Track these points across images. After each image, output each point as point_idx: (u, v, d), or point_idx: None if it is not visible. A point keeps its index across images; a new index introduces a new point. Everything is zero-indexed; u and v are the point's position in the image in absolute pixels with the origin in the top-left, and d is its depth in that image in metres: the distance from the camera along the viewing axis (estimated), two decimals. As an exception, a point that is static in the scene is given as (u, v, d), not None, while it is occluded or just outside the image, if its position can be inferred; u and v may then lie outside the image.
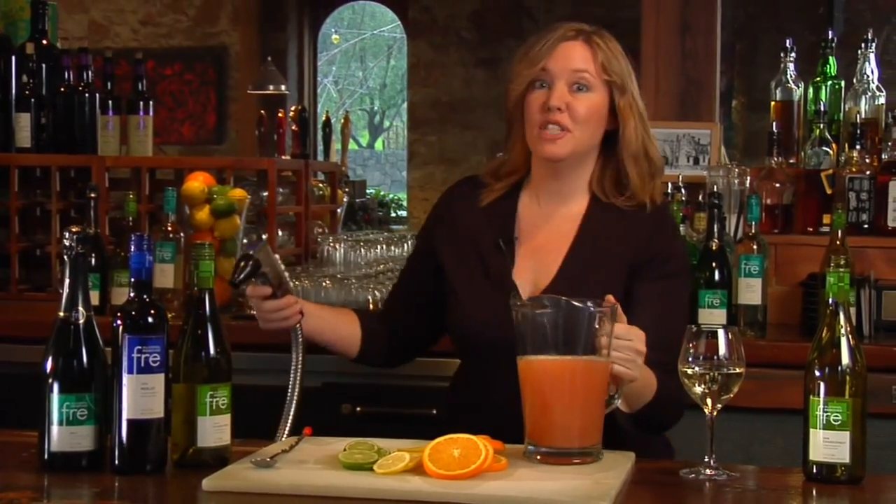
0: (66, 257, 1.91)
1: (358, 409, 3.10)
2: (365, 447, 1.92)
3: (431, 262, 2.48)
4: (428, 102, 9.20)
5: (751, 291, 3.19)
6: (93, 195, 3.47)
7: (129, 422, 1.88)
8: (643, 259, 2.35)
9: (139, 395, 1.87)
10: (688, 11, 3.73)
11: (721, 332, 1.94)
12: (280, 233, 3.86)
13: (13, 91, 3.99)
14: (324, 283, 3.44)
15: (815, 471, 1.93)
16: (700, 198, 3.55)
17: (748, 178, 3.54)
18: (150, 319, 1.89)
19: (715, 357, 1.93)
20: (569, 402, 1.97)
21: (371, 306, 3.19)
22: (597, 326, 1.97)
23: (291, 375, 2.30)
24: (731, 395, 1.96)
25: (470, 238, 2.42)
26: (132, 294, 1.90)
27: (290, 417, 2.23)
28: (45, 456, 1.90)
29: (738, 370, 1.94)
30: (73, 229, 1.90)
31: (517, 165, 2.45)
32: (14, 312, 3.62)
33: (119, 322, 1.88)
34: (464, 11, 9.22)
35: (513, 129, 2.41)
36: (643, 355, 2.08)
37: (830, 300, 1.92)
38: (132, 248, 1.89)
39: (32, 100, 3.95)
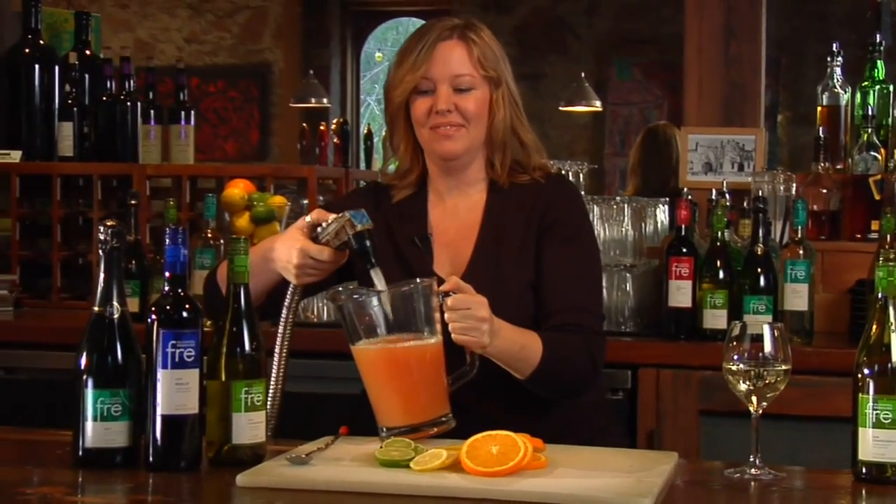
0: (100, 251, 1.89)
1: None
2: (402, 444, 1.89)
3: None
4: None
5: (797, 297, 3.13)
6: (133, 202, 3.48)
7: (164, 417, 1.85)
8: (546, 225, 2.38)
9: (174, 391, 1.85)
10: (732, 17, 3.69)
11: (766, 328, 1.89)
12: (320, 241, 3.84)
13: (56, 101, 4.01)
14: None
15: (864, 471, 1.87)
16: (745, 204, 3.50)
17: (794, 184, 3.48)
18: (184, 314, 1.87)
19: (760, 354, 1.88)
20: (405, 381, 2.05)
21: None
22: (420, 306, 2.04)
23: (281, 328, 2.24)
24: (777, 394, 1.91)
25: (386, 237, 2.42)
26: (167, 288, 1.88)
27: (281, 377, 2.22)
28: (80, 452, 1.88)
29: (783, 367, 1.89)
30: (108, 223, 1.89)
31: (409, 164, 2.47)
32: (55, 319, 3.63)
33: (153, 316, 1.86)
34: (505, 27, 9.18)
35: (395, 131, 2.45)
36: (486, 321, 2.10)
37: (880, 295, 1.88)
38: (167, 240, 1.87)
39: (75, 109, 3.97)
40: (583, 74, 7.34)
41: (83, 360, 1.88)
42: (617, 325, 3.34)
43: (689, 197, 3.34)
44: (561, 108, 7.33)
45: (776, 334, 1.89)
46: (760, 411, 1.92)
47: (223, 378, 1.89)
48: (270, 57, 9.59)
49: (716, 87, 3.69)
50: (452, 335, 2.08)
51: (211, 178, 3.86)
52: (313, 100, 6.95)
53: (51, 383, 3.29)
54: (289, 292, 2.24)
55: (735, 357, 1.89)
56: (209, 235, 3.42)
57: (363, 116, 11.18)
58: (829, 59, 3.67)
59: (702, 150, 3.67)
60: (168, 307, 1.87)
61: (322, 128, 5.83)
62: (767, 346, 1.88)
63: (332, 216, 2.16)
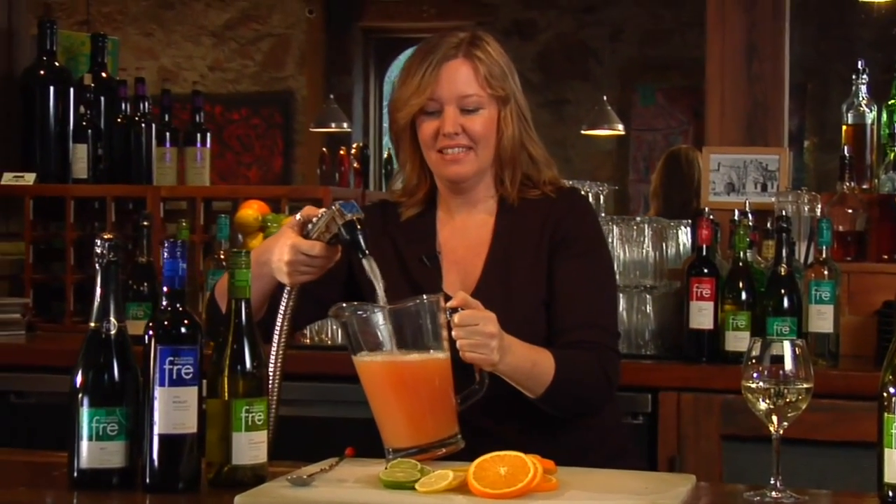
0: (97, 265, 1.83)
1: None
2: (407, 465, 1.82)
3: (341, 269, 2.30)
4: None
5: (822, 319, 3.05)
6: (145, 223, 3.43)
7: (161, 437, 1.79)
8: (557, 240, 2.32)
9: (171, 409, 1.79)
10: (754, 34, 3.62)
11: (787, 345, 1.82)
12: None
13: (71, 123, 3.97)
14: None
15: (891, 494, 1.79)
16: (768, 224, 3.42)
17: (819, 204, 3.40)
18: (182, 329, 1.81)
19: (780, 372, 1.81)
20: (410, 398, 1.99)
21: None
22: (425, 322, 1.98)
23: (276, 337, 2.15)
24: (798, 413, 1.83)
25: (394, 253, 2.36)
26: (164, 303, 1.82)
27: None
28: (75, 473, 1.82)
29: (805, 385, 1.81)
30: (105, 236, 1.83)
31: (416, 182, 2.40)
32: (67, 343, 3.57)
33: (151, 332, 1.81)
34: (528, 53, 9.14)
35: (401, 150, 2.39)
36: (495, 337, 2.03)
37: (905, 310, 1.80)
38: (165, 254, 1.81)
39: (89, 131, 3.93)
40: (605, 97, 7.28)
41: (78, 378, 1.82)
42: (637, 347, 3.27)
43: (711, 217, 3.27)
44: (583, 132, 7.27)
45: (797, 351, 1.82)
46: (781, 431, 1.84)
47: (223, 396, 1.83)
48: (293, 84, 9.59)
49: (738, 106, 3.62)
50: (460, 352, 2.01)
51: (226, 199, 3.81)
52: (333, 124, 6.92)
53: (61, 407, 3.22)
54: (284, 295, 2.15)
55: (755, 375, 1.82)
56: (222, 257, 3.37)
57: (385, 142, 11.19)
58: (854, 77, 3.60)
59: (724, 170, 3.59)
60: (166, 322, 1.81)
61: (342, 152, 5.79)
62: (788, 364, 1.81)
63: (322, 210, 2.09)
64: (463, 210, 2.39)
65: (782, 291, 3.05)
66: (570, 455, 2.09)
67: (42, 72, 3.98)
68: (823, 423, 2.90)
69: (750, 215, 3.32)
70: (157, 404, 1.79)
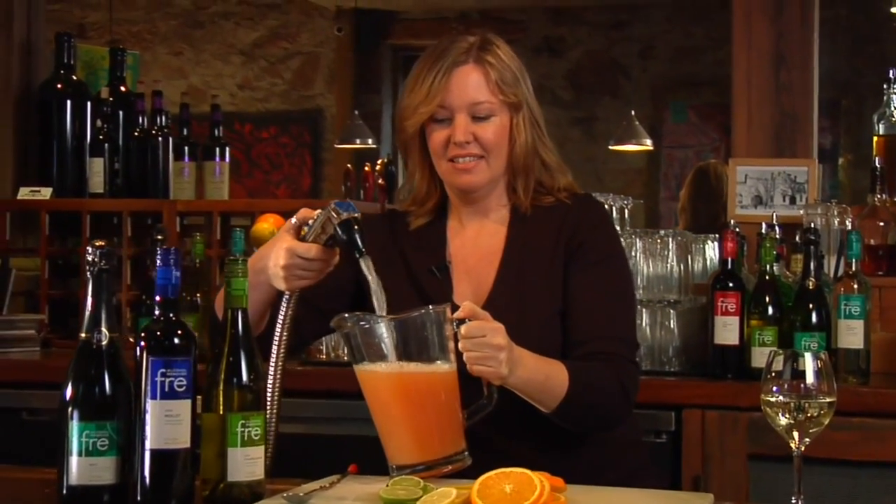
0: (88, 273, 1.77)
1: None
2: (409, 482, 1.74)
3: (347, 278, 2.22)
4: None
5: (852, 334, 2.95)
6: (160, 238, 3.37)
7: (153, 452, 1.72)
8: (572, 248, 2.24)
9: (163, 423, 1.71)
10: (782, 42, 3.53)
11: (808, 357, 1.73)
12: (355, 279, 3.71)
13: (88, 137, 3.93)
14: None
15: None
16: (797, 238, 3.32)
17: (849, 217, 3.31)
18: (175, 340, 1.74)
19: (801, 385, 1.72)
20: (415, 412, 1.91)
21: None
22: (429, 334, 1.90)
23: (275, 347, 2.06)
24: (821, 429, 1.74)
25: (403, 264, 2.29)
26: (157, 313, 1.75)
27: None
28: (64, 490, 1.75)
29: (827, 399, 1.72)
30: (97, 243, 1.77)
31: (427, 189, 2.32)
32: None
33: (142, 343, 1.74)
34: (559, 70, 9.08)
35: (409, 158, 2.31)
36: (503, 349, 1.95)
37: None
38: (158, 261, 1.74)
39: (106, 145, 3.89)
40: (633, 112, 7.19)
41: (68, 391, 1.75)
42: (661, 363, 3.18)
43: (737, 229, 3.18)
44: (611, 147, 7.18)
45: (819, 364, 1.73)
46: (803, 448, 1.75)
47: (219, 410, 1.75)
48: (322, 102, 9.56)
49: (766, 117, 3.53)
50: (467, 365, 1.93)
51: (243, 214, 3.75)
52: (358, 140, 6.86)
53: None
54: (283, 303, 2.06)
55: (774, 389, 1.73)
56: (237, 271, 3.30)
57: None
58: (885, 87, 3.50)
59: (751, 183, 3.51)
60: (158, 333, 1.74)
61: (366, 168, 5.72)
62: (810, 377, 1.72)
63: (318, 211, 2.02)
64: (474, 219, 2.31)
65: (810, 306, 2.96)
66: (586, 473, 2.00)
67: (59, 85, 3.94)
68: (852, 443, 2.80)
69: (777, 228, 3.23)
70: (148, 418, 1.72)
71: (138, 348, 1.74)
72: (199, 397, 1.77)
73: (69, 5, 9.72)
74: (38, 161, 3.95)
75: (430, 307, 1.93)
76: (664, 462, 2.94)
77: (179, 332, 1.75)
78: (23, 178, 3.95)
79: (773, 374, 1.73)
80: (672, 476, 2.94)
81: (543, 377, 2.05)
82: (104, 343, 1.76)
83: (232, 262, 1.80)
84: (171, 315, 1.75)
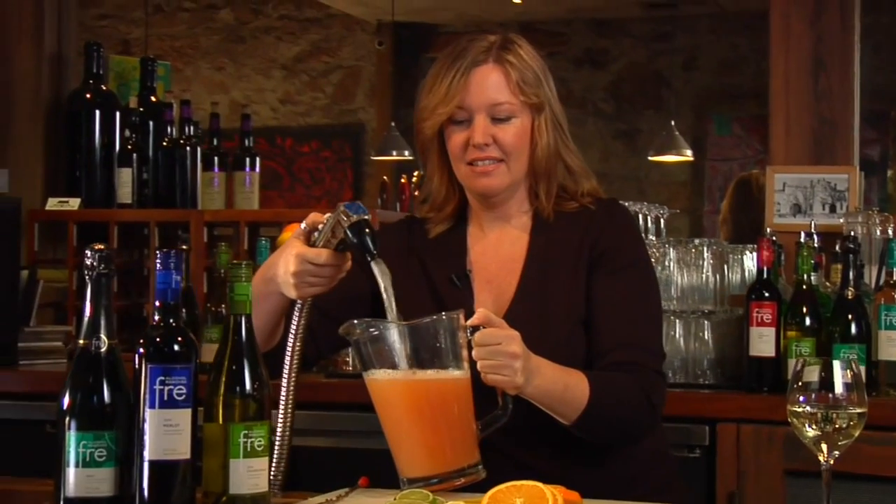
0: (87, 278, 1.71)
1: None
2: (418, 496, 1.67)
3: (364, 286, 2.14)
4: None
5: (893, 346, 2.86)
6: (184, 248, 3.33)
7: (152, 463, 1.66)
8: (597, 254, 2.16)
9: (162, 434, 1.65)
10: (821, 47, 3.43)
11: (837, 365, 1.64)
12: (384, 290, 3.65)
13: (116, 147, 3.90)
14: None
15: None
16: (836, 247, 3.22)
17: (891, 225, 3.20)
18: (175, 347, 1.67)
19: (830, 395, 1.63)
20: (427, 421, 1.83)
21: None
22: (440, 341, 1.82)
23: (288, 358, 1.99)
24: (850, 441, 1.65)
25: (422, 273, 2.21)
26: (157, 318, 1.69)
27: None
28: (61, 502, 1.69)
29: (857, 410, 1.63)
30: (97, 247, 1.71)
31: (446, 194, 2.24)
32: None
33: (141, 350, 1.67)
34: (600, 83, 9.00)
35: (428, 161, 2.23)
36: (518, 357, 1.86)
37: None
38: (158, 265, 1.69)
39: (134, 155, 3.85)
40: (672, 122, 7.09)
41: (66, 400, 1.69)
42: (695, 376, 3.08)
43: (774, 238, 3.09)
44: (650, 158, 7.09)
45: (849, 373, 1.64)
46: (832, 461, 1.66)
47: (220, 420, 1.69)
48: (363, 116, 9.54)
49: (805, 123, 3.43)
50: (481, 374, 1.85)
51: (270, 223, 3.70)
52: (395, 152, 6.81)
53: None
54: (295, 312, 1.99)
55: (801, 398, 1.64)
56: (262, 282, 3.25)
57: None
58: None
59: (790, 191, 3.41)
60: (157, 339, 1.68)
61: (403, 180, 5.67)
62: (838, 386, 1.63)
63: (328, 215, 1.95)
64: (496, 225, 2.23)
65: (849, 316, 2.86)
66: (611, 487, 1.93)
67: (88, 95, 3.91)
68: (893, 459, 2.70)
69: (816, 237, 3.13)
70: (147, 428, 1.66)
71: (137, 355, 1.68)
72: (200, 407, 1.71)
73: (114, 21, 9.77)
74: (66, 172, 3.92)
75: (443, 313, 1.86)
76: (698, 478, 2.85)
77: (179, 338, 1.68)
78: (52, 188, 3.92)
79: (801, 384, 1.64)
80: (706, 492, 2.85)
81: (562, 387, 1.97)
82: (103, 350, 1.70)
83: (235, 266, 1.73)
84: (172, 321, 1.69)
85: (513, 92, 2.13)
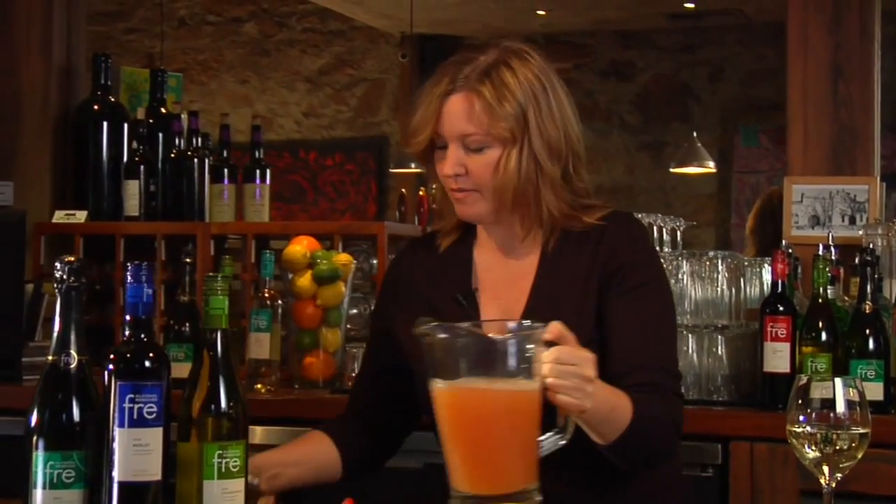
0: (56, 291, 1.65)
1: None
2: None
3: (390, 340, 2.20)
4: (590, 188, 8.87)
5: (912, 362, 2.75)
6: (188, 260, 3.26)
7: (121, 485, 1.59)
8: (610, 272, 2.06)
9: (132, 454, 1.58)
10: (840, 54, 3.35)
11: (839, 383, 1.56)
12: (394, 303, 3.58)
13: (124, 159, 3.85)
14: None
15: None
16: (856, 261, 3.13)
17: (913, 237, 3.11)
18: (146, 363, 1.61)
19: (831, 415, 1.55)
20: (490, 435, 1.68)
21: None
22: (519, 352, 1.68)
23: None
24: (853, 463, 1.57)
25: (425, 298, 2.14)
26: (127, 333, 1.63)
27: None
28: (28, 525, 1.63)
29: (860, 431, 1.54)
30: (66, 258, 1.65)
31: (445, 208, 2.17)
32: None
33: (111, 367, 1.61)
34: (626, 95, 8.91)
35: (429, 173, 2.16)
36: (592, 381, 1.76)
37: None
38: (128, 278, 1.62)
39: (142, 167, 3.80)
40: (694, 134, 7.00)
41: (34, 418, 1.63)
42: (708, 393, 2.99)
43: (791, 250, 3.00)
44: (671, 170, 6.99)
45: (851, 392, 1.55)
46: (833, 485, 1.58)
47: (194, 439, 1.62)
48: (387, 129, 9.49)
49: (823, 133, 3.34)
50: (549, 393, 1.72)
51: (279, 236, 3.63)
52: (413, 165, 6.74)
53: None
54: None
55: (801, 418, 1.56)
56: (266, 295, 3.19)
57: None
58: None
59: (808, 202, 3.32)
60: (127, 355, 1.61)
61: (421, 193, 5.60)
62: (840, 406, 1.55)
63: None
64: (504, 240, 2.14)
65: (867, 332, 2.77)
66: None
67: (96, 107, 3.86)
68: (912, 480, 2.60)
69: (833, 249, 3.04)
70: (116, 447, 1.59)
71: (106, 372, 1.61)
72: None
73: (140, 35, 9.77)
74: (74, 184, 3.87)
75: (526, 322, 1.74)
76: (710, 498, 2.76)
77: (151, 354, 1.62)
78: (60, 201, 3.88)
79: (800, 403, 1.56)
80: (719, 513, 2.76)
81: (610, 408, 1.85)
82: (72, 366, 1.63)
83: (210, 279, 1.67)
84: (143, 336, 1.63)
85: (480, 123, 2.02)
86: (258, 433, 3.06)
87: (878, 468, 2.59)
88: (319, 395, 3.13)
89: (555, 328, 1.75)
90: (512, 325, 1.72)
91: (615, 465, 1.96)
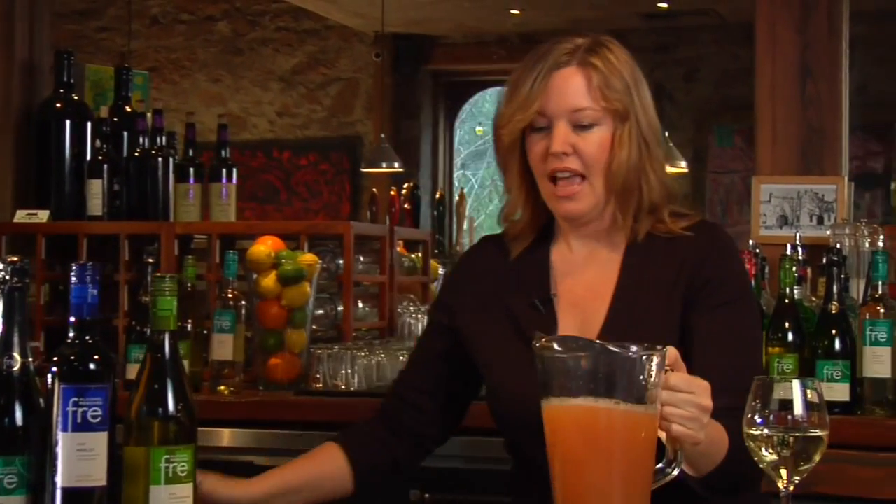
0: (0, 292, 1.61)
1: (427, 495, 2.74)
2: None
3: (449, 339, 2.12)
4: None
5: (878, 363, 2.73)
6: (150, 260, 3.22)
7: (65, 491, 1.55)
8: (697, 286, 1.96)
9: (75, 459, 1.55)
10: (808, 54, 3.33)
11: (796, 384, 1.53)
12: (360, 304, 3.55)
13: (88, 158, 3.80)
14: (400, 357, 3.13)
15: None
16: (824, 261, 3.11)
17: (881, 237, 3.08)
18: (91, 366, 1.57)
19: (789, 416, 1.52)
20: (604, 459, 1.57)
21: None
22: (640, 374, 1.56)
23: None
24: (812, 466, 1.54)
25: (500, 301, 2.05)
26: (72, 335, 1.59)
27: None
28: (-31, 532, 1.59)
29: (818, 433, 1.52)
30: (9, 259, 1.61)
31: (524, 210, 2.08)
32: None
33: (54, 369, 1.57)
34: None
35: (507, 173, 2.07)
36: (709, 411, 1.64)
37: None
38: (73, 278, 1.58)
39: (105, 165, 3.74)
40: (666, 133, 6.99)
41: (-25, 422, 1.59)
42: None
43: (758, 250, 2.98)
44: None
45: (808, 393, 1.53)
46: (791, 488, 1.55)
47: (141, 444, 1.58)
48: (361, 129, 9.45)
49: (791, 132, 3.33)
50: (665, 422, 1.61)
51: (244, 236, 3.59)
52: (384, 164, 6.71)
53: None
54: None
55: (758, 420, 1.53)
56: (229, 296, 3.15)
57: (469, 196, 10.95)
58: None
59: (776, 202, 3.30)
60: (72, 357, 1.57)
61: (392, 192, 5.58)
62: (798, 408, 1.52)
63: None
64: (586, 243, 2.06)
65: (833, 332, 2.75)
66: None
67: (58, 105, 3.81)
68: (878, 480, 2.59)
69: (801, 249, 3.02)
70: (59, 452, 1.55)
71: (49, 375, 1.58)
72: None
73: (112, 34, 9.70)
74: (36, 183, 3.82)
75: (634, 347, 1.60)
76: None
77: (96, 356, 1.58)
78: (22, 200, 3.82)
79: (758, 405, 1.53)
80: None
81: (709, 441, 1.72)
82: (15, 369, 1.59)
83: (158, 279, 1.63)
84: (88, 338, 1.59)
85: (595, 97, 1.95)
86: (225, 436, 3.03)
87: (845, 469, 2.59)
88: (284, 397, 3.09)
89: (672, 354, 1.65)
90: (632, 347, 1.60)
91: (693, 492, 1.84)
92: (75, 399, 1.55)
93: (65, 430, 1.55)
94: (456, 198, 6.00)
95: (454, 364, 2.12)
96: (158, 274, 1.66)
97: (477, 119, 11.17)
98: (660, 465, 1.64)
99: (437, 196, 5.74)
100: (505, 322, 2.04)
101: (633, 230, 2.02)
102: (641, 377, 1.56)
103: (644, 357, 1.57)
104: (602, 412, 1.55)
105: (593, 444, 1.57)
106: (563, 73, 1.96)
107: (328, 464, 2.13)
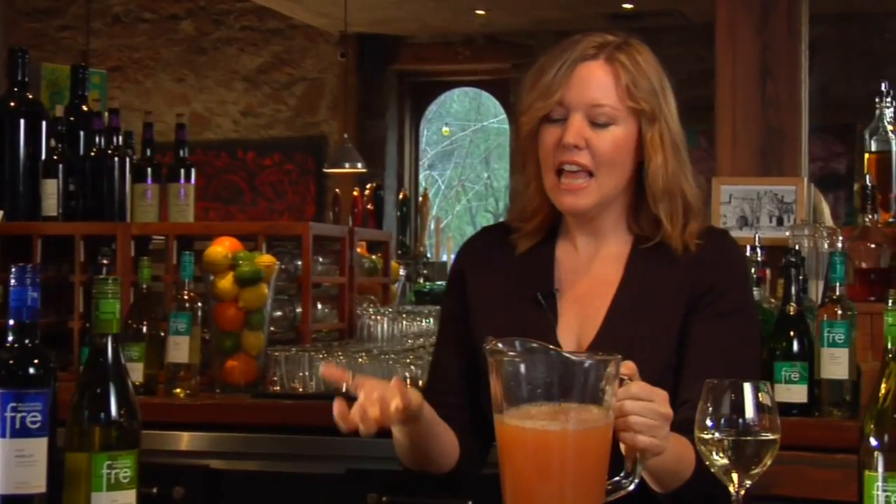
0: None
1: (384, 498, 2.71)
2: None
3: (466, 349, 2.06)
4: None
5: (835, 364, 2.72)
6: (105, 262, 3.18)
7: (3, 498, 1.52)
8: (700, 292, 1.94)
9: (14, 465, 1.51)
10: (768, 55, 3.33)
11: (748, 388, 1.51)
12: (319, 305, 3.52)
13: (43, 157, 3.75)
14: (359, 360, 3.09)
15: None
16: (783, 262, 3.10)
17: (839, 239, 3.08)
18: (30, 370, 1.54)
19: (740, 420, 1.50)
20: (556, 482, 1.53)
21: (408, 383, 2.81)
22: (595, 381, 1.52)
23: None
24: (763, 470, 1.53)
25: (502, 294, 2.03)
26: (10, 338, 1.56)
27: None
28: None
29: (769, 437, 1.50)
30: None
31: (536, 205, 2.05)
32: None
33: (-8, 373, 1.54)
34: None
35: (527, 164, 2.03)
36: (669, 419, 1.62)
37: (889, 345, 1.49)
38: (12, 281, 1.55)
39: (60, 165, 3.70)
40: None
41: (-87, 427, 1.55)
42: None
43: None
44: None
45: (760, 396, 1.51)
46: (743, 492, 1.53)
47: (82, 449, 1.55)
48: (326, 129, 9.42)
49: (751, 133, 3.32)
50: (628, 433, 1.58)
51: (201, 236, 3.55)
52: (347, 165, 6.69)
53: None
54: None
55: (709, 424, 1.51)
56: (185, 297, 3.11)
57: (437, 199, 10.91)
58: (877, 100, 3.29)
59: (736, 203, 3.29)
60: (10, 362, 1.54)
61: (355, 193, 5.56)
62: (749, 411, 1.50)
63: None
64: (591, 241, 2.03)
65: (791, 334, 2.74)
66: None
67: (13, 103, 3.75)
68: (836, 482, 2.57)
69: (760, 250, 3.01)
70: (-3, 458, 1.52)
71: (-13, 379, 1.54)
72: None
73: (74, 32, 9.63)
74: (-11, 183, 3.77)
75: (603, 354, 1.58)
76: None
77: (35, 361, 1.55)
78: (-23, 201, 3.77)
79: (709, 408, 1.52)
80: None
81: (676, 459, 1.72)
82: (-44, 374, 1.56)
83: (101, 281, 1.59)
84: (27, 342, 1.55)
85: (619, 96, 1.93)
86: (182, 439, 3.00)
87: (803, 471, 2.57)
88: (241, 400, 3.05)
89: (629, 365, 1.62)
90: (582, 354, 1.60)
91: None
92: (14, 404, 1.52)
93: (3, 435, 1.52)
94: (403, 195, 5.98)
95: (472, 376, 2.03)
96: (100, 276, 1.62)
97: (444, 119, 11.15)
98: (616, 478, 1.61)
99: (401, 197, 5.72)
100: (506, 315, 2.01)
101: (683, 237, 1.98)
102: (597, 384, 1.52)
103: (599, 364, 1.54)
104: (554, 437, 1.51)
105: (545, 469, 1.53)
106: (588, 66, 1.94)
107: (451, 435, 2.02)
